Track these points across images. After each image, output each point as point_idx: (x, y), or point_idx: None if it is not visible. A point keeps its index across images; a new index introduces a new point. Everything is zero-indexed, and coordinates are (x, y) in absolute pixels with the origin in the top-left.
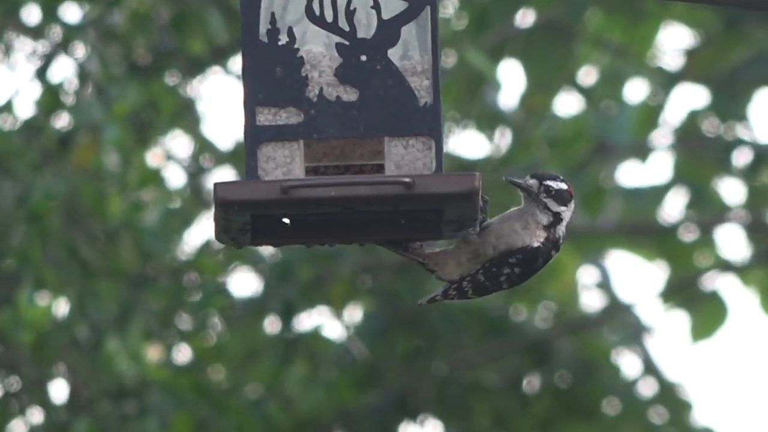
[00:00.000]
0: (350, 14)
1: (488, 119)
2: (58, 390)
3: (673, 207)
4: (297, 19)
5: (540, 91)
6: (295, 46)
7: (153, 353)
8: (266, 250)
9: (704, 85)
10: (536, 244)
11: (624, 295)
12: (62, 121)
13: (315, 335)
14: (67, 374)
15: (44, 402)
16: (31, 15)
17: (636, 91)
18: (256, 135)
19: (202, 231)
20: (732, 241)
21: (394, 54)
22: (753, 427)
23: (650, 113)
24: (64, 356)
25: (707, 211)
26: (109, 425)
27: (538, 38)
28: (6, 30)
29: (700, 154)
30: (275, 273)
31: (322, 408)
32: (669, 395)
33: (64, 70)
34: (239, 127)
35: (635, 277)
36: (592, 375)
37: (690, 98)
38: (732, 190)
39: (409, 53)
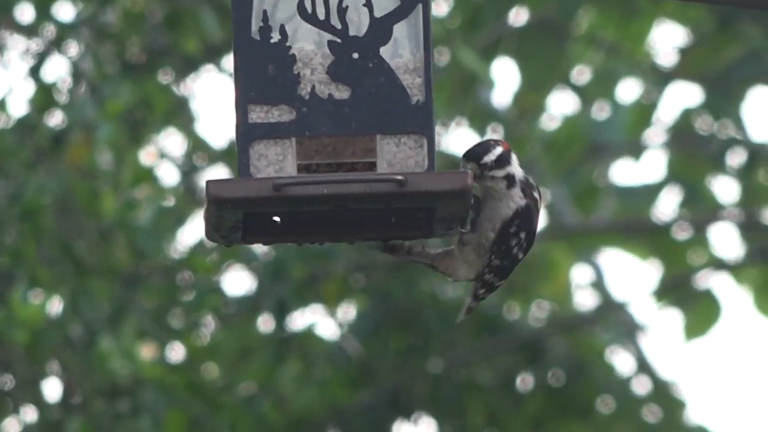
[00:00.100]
0: (342, 12)
1: (481, 117)
2: (52, 388)
3: (667, 205)
4: (289, 16)
5: (533, 89)
6: (287, 43)
7: (146, 352)
8: (260, 249)
9: (698, 84)
10: (522, 203)
11: (617, 293)
12: (56, 119)
13: (308, 334)
14: (60, 373)
15: (38, 400)
16: (25, 13)
17: (629, 89)
18: (248, 133)
19: (195, 230)
20: (726, 239)
21: (386, 52)
22: (747, 426)
23: (643, 112)
24: (58, 355)
25: (701, 209)
26: (103, 424)
27: (532, 37)
28: None
29: (694, 153)
30: (269, 271)
31: (315, 406)
32: (663, 394)
33: (57, 69)
34: (232, 126)
35: (629, 276)
36: (585, 373)
37: (683, 96)
38: (726, 189)
39: (401, 51)
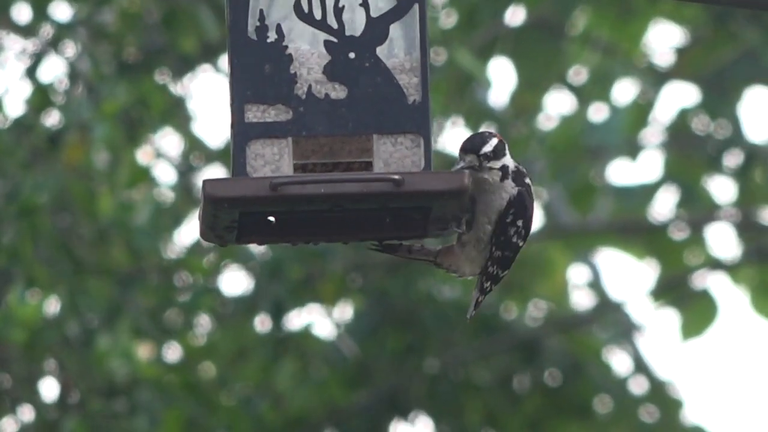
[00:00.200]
0: (339, 12)
1: (476, 116)
2: (49, 388)
3: (664, 205)
4: (285, 16)
5: (530, 89)
6: (284, 43)
7: (143, 351)
8: (257, 249)
9: (694, 84)
10: (515, 191)
11: (614, 293)
12: (52, 119)
13: (305, 334)
14: (57, 372)
15: (35, 400)
16: (22, 13)
17: (625, 90)
18: (244, 132)
19: (192, 230)
20: (722, 239)
21: (382, 52)
22: (744, 426)
23: (640, 112)
24: (55, 354)
25: (697, 209)
26: (99, 423)
27: (528, 36)
28: None
29: (691, 153)
30: (265, 271)
31: (312, 406)
32: (659, 393)
33: (54, 69)
34: (228, 125)
35: (625, 276)
36: (582, 373)
37: (680, 96)
38: (722, 189)
39: (397, 51)
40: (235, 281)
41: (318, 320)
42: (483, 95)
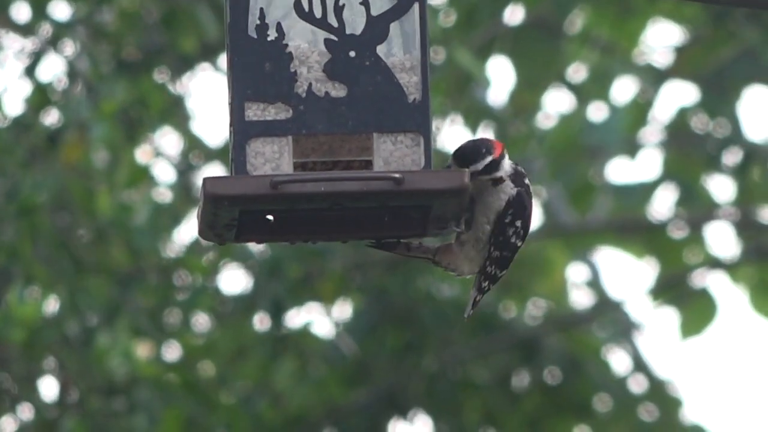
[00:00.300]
0: (339, 10)
1: (476, 115)
2: (48, 386)
3: (663, 204)
4: (285, 14)
5: (529, 88)
6: (284, 41)
7: (143, 350)
8: (256, 247)
9: (693, 82)
10: (513, 191)
11: (613, 292)
12: (51, 118)
13: (304, 332)
14: (57, 371)
15: (34, 399)
16: (21, 12)
17: (625, 89)
18: (245, 130)
19: (191, 229)
20: (721, 238)
21: (382, 50)
22: (743, 424)
23: (639, 111)
24: (55, 353)
25: (696, 208)
26: (99, 422)
27: (527, 35)
28: None
29: (690, 151)
30: (264, 270)
31: (311, 405)
32: (659, 392)
33: (53, 68)
34: (228, 124)
35: (625, 274)
36: (581, 372)
37: (679, 95)
38: (721, 187)
39: (397, 50)
40: (234, 280)
41: (317, 319)
42: (482, 94)
